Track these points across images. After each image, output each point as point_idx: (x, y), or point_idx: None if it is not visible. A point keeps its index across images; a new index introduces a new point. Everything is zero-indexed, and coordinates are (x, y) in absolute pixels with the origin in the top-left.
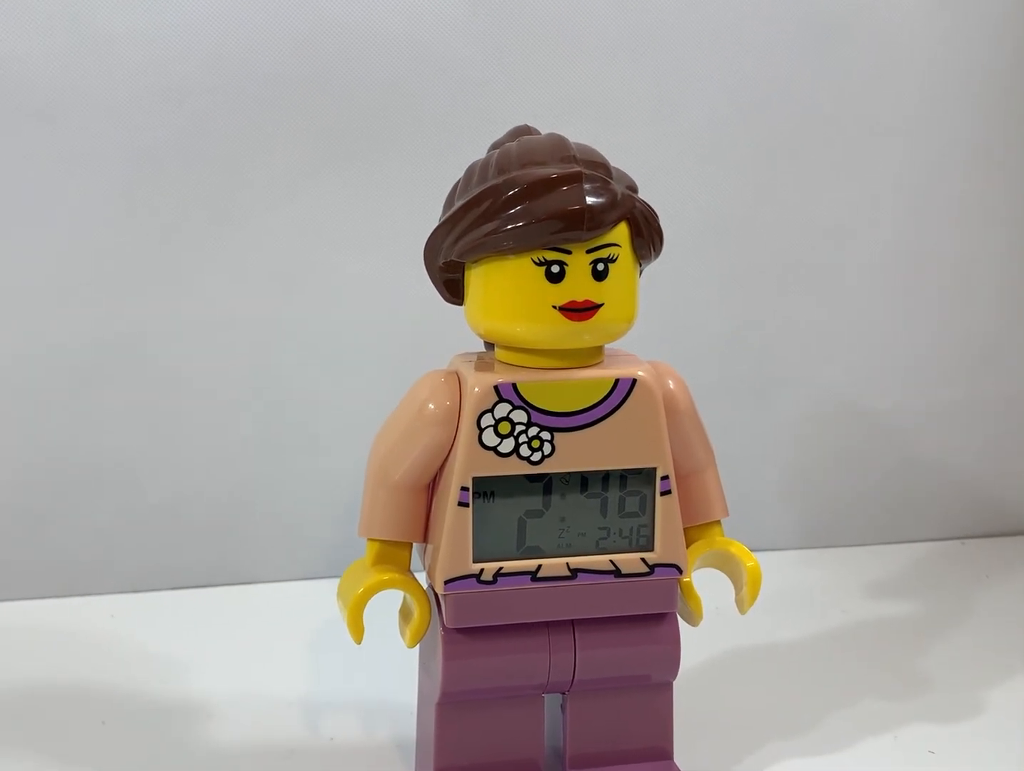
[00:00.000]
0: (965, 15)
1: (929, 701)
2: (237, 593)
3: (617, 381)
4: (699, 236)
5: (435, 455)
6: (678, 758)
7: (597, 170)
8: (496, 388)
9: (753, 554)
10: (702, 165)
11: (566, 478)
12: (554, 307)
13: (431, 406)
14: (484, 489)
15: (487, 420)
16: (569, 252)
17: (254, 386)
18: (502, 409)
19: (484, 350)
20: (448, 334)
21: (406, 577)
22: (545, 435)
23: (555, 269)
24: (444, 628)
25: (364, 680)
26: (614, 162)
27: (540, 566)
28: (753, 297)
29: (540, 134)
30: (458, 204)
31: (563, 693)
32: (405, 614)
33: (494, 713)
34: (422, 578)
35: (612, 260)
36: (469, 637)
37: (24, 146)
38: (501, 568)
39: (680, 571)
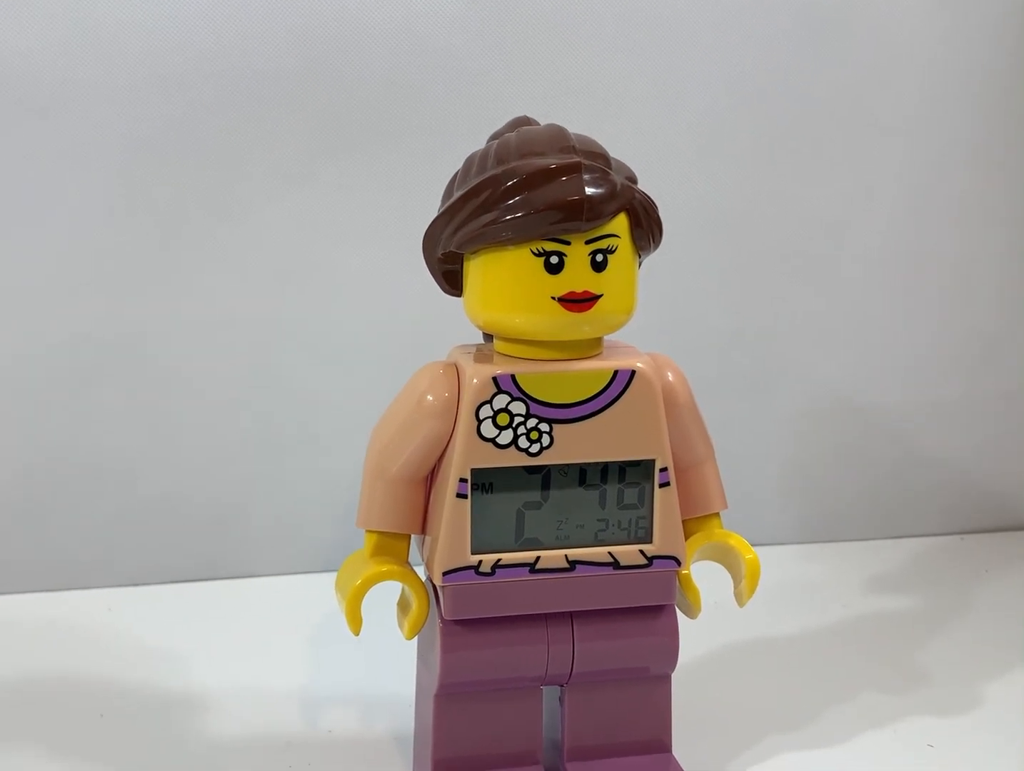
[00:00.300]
0: (965, 13)
1: (928, 695)
2: (235, 587)
3: (616, 372)
4: (699, 230)
5: (434, 447)
6: (676, 751)
7: (596, 160)
8: (495, 379)
9: (752, 547)
10: (701, 158)
11: (565, 470)
12: (553, 298)
13: (430, 398)
14: (482, 481)
15: (486, 411)
16: (568, 243)
17: (252, 382)
18: (501, 400)
19: (483, 342)
20: (448, 330)
21: (404, 569)
22: (544, 427)
23: (554, 260)
24: (442, 620)
25: (362, 672)
26: (613, 153)
27: (538, 558)
28: (753, 293)
29: (539, 125)
30: (457, 195)
31: (561, 685)
32: (403, 606)
33: (492, 705)
34: (421, 571)
35: (611, 251)
36: (467, 629)
37: (20, 139)
38: (499, 560)
39: (679, 563)
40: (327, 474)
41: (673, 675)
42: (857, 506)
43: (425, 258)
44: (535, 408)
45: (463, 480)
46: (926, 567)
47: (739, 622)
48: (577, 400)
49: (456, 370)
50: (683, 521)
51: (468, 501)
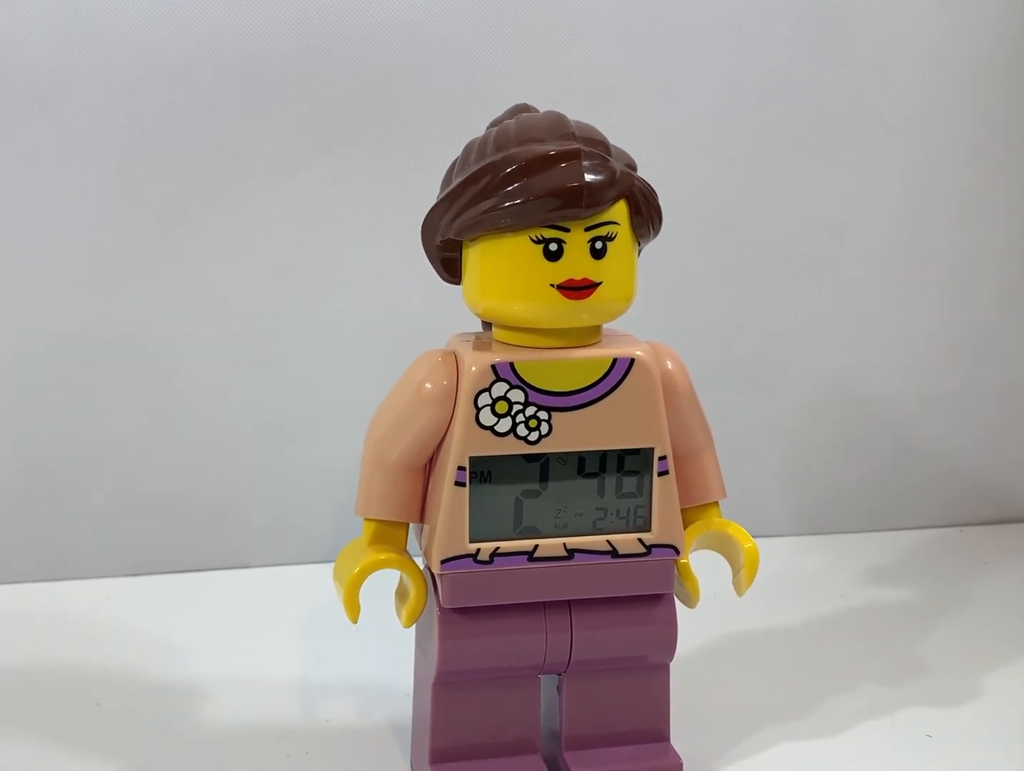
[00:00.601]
0: (966, 13)
1: (926, 686)
2: (233, 577)
3: (615, 360)
4: (700, 224)
5: (432, 435)
6: (674, 740)
7: (596, 147)
8: (493, 367)
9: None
10: (702, 153)
11: (563, 458)
12: (552, 285)
13: (428, 386)
14: (481, 469)
15: (484, 399)
16: (567, 230)
17: (250, 374)
18: (499, 388)
19: (482, 331)
20: (446, 322)
21: (402, 557)
22: (542, 415)
23: (553, 247)
24: (440, 608)
25: (360, 661)
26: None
27: (537, 546)
28: (753, 285)
29: (539, 112)
30: (456, 181)
31: (559, 674)
32: (401, 594)
33: (490, 694)
34: (419, 560)
35: (611, 238)
36: (465, 617)
37: (17, 131)
38: (498, 548)
39: (677, 552)
40: (325, 464)
41: (671, 664)
42: (856, 498)
43: (424, 246)
44: (534, 396)
45: (461, 468)
46: (925, 559)
47: (738, 612)
48: (576, 388)
49: (455, 358)
50: (682, 510)
51: (466, 489)
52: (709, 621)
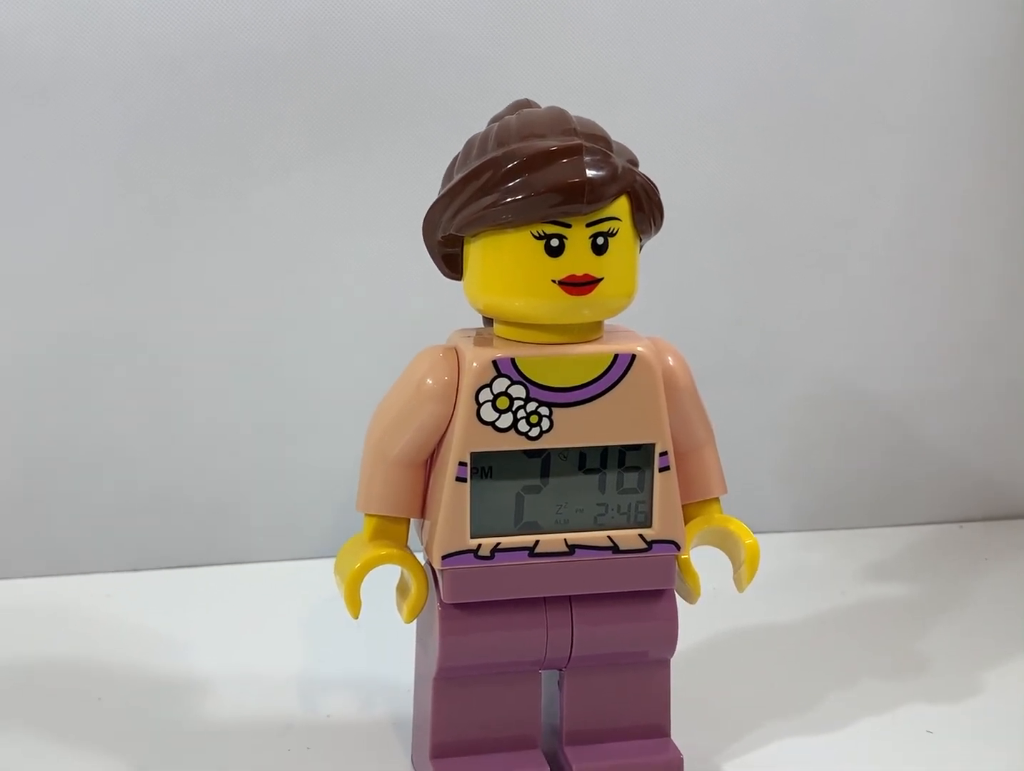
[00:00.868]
0: (969, 11)
1: (927, 682)
2: (234, 573)
3: (616, 356)
4: (703, 221)
5: (433, 431)
6: (675, 735)
7: (598, 143)
8: (495, 363)
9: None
10: (704, 149)
11: (564, 454)
12: (553, 281)
13: (429, 381)
14: (482, 464)
15: (485, 395)
16: (569, 225)
17: (251, 370)
18: (500, 384)
19: (483, 326)
20: (447, 313)
21: (404, 552)
22: (543, 410)
23: (555, 243)
24: (441, 603)
25: (361, 656)
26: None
27: (538, 542)
28: (754, 282)
29: (540, 107)
30: (457, 177)
31: (560, 669)
32: (402, 590)
33: (491, 689)
34: (420, 556)
35: (612, 234)
36: (466, 612)
37: (16, 125)
38: (499, 544)
39: (678, 547)
40: (325, 461)
41: (672, 660)
42: (857, 494)
43: (425, 241)
44: (535, 392)
45: (462, 464)
46: (925, 555)
47: (738, 608)
48: (577, 384)
49: (456, 354)
50: (683, 506)
51: (467, 485)
52: (710, 617)
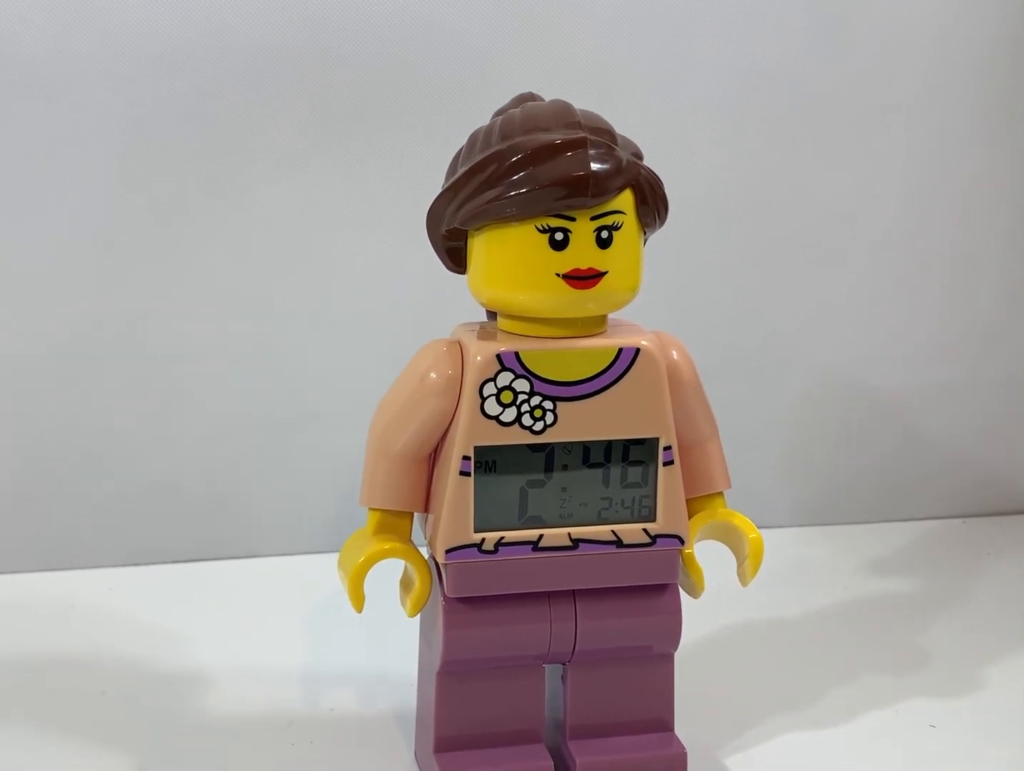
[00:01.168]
0: (971, 5)
1: (929, 677)
2: (236, 567)
3: (620, 350)
4: (705, 213)
5: (437, 425)
6: (679, 730)
7: (602, 136)
8: (499, 357)
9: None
10: (708, 142)
11: (568, 448)
12: (557, 275)
13: (433, 375)
14: (486, 458)
15: (489, 389)
16: (573, 219)
17: (254, 363)
18: (504, 378)
19: (487, 321)
20: (452, 309)
21: (407, 546)
22: (547, 404)
23: (559, 236)
24: (445, 598)
25: (364, 651)
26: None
27: (541, 536)
28: (758, 276)
29: (544, 101)
30: (461, 170)
31: (564, 664)
32: (406, 584)
33: (495, 683)
34: (424, 551)
35: (616, 227)
36: (470, 607)
37: (18, 121)
38: (502, 538)
39: (682, 542)
40: (329, 454)
41: (676, 654)
42: (859, 489)
43: (429, 235)
44: (539, 386)
45: (466, 458)
46: (927, 550)
47: (742, 603)
48: (581, 378)
49: (460, 348)
50: (686, 500)
51: (471, 479)
52: (713, 611)
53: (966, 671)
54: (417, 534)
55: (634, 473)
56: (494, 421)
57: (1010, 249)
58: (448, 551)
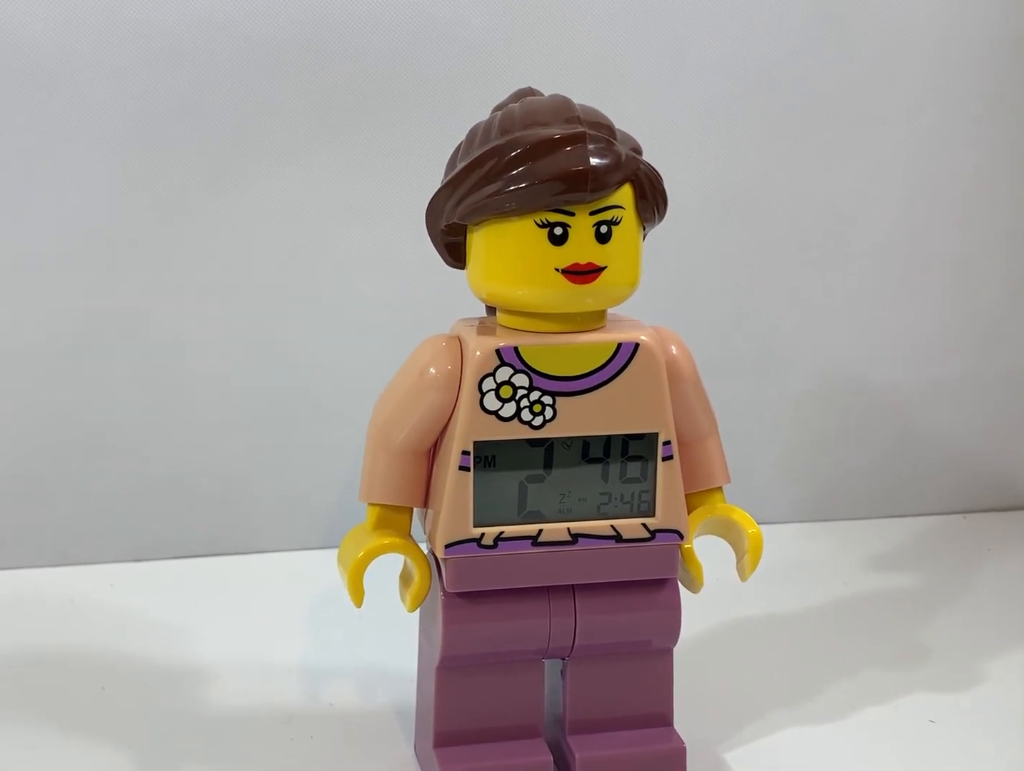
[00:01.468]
0: (971, 4)
1: (929, 672)
2: (238, 563)
3: (620, 345)
4: (706, 208)
5: (436, 420)
6: (678, 725)
7: (601, 131)
8: (498, 352)
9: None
10: (708, 138)
11: (568, 443)
12: (557, 270)
13: (432, 370)
14: (485, 453)
15: (488, 384)
16: (572, 214)
17: (257, 357)
18: (504, 373)
19: (486, 316)
20: (451, 302)
21: (406, 541)
22: (547, 399)
23: (558, 231)
24: (444, 592)
25: (364, 646)
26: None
27: (541, 531)
28: (758, 272)
29: (543, 96)
30: (460, 165)
31: (563, 658)
32: (405, 579)
33: (494, 678)
34: (424, 546)
35: (615, 222)
36: (469, 601)
37: (23, 113)
38: (502, 533)
39: (681, 537)
40: (332, 449)
41: (675, 649)
42: (859, 485)
43: (428, 230)
44: (538, 381)
45: (466, 453)
46: (928, 546)
47: (741, 598)
48: (580, 373)
49: (459, 343)
50: (686, 495)
51: (471, 474)
52: (713, 606)
53: (966, 667)
54: (416, 529)
55: (633, 468)
56: (493, 416)
57: (1012, 246)
58: (447, 546)
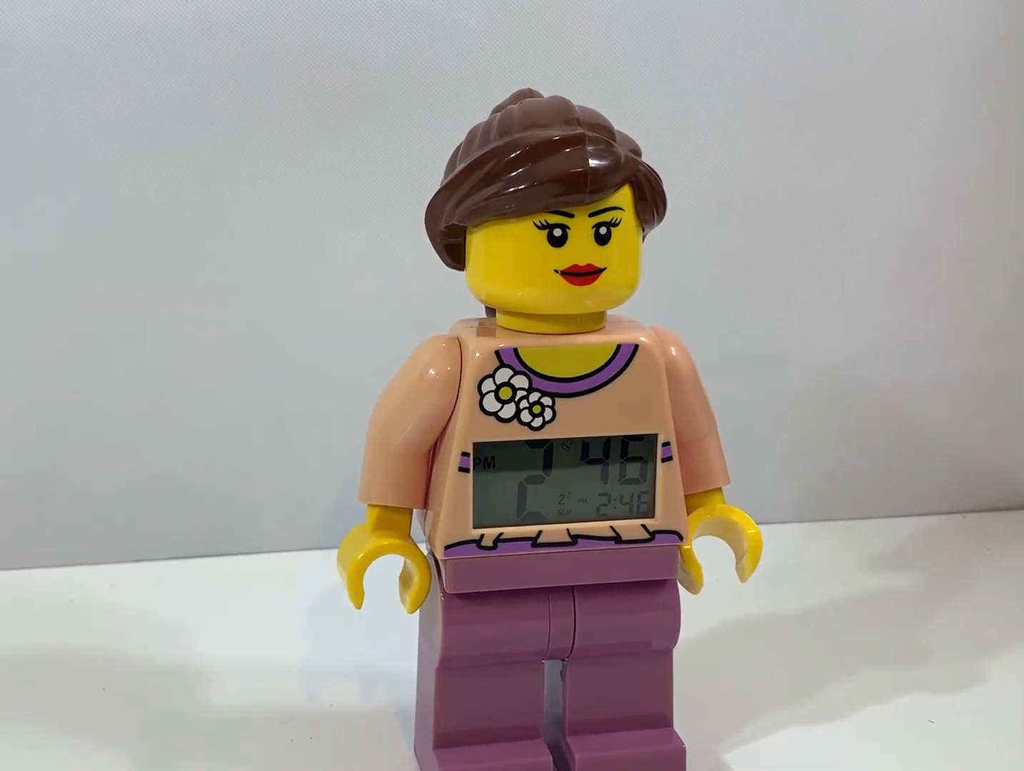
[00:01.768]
0: (972, 2)
1: (929, 672)
2: (238, 563)
3: (619, 347)
4: (704, 209)
5: (435, 421)
6: (677, 725)
7: (600, 133)
8: (497, 353)
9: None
10: (706, 138)
11: (567, 444)
12: (556, 271)
13: (432, 372)
14: (485, 455)
15: (488, 385)
16: (571, 215)
17: (256, 358)
18: (503, 374)
19: (486, 317)
20: (450, 303)
21: (406, 542)
22: (546, 401)
23: (557, 233)
24: (444, 594)
25: (364, 646)
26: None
27: (540, 532)
28: (757, 272)
29: (543, 97)
30: (460, 167)
31: (563, 659)
32: (405, 580)
33: (494, 679)
34: (423, 547)
35: (615, 224)
36: (469, 603)
37: (21, 115)
38: (501, 534)
39: (681, 538)
40: (331, 450)
41: (675, 650)
42: (859, 485)
43: (427, 231)
44: (538, 382)
45: (465, 454)
46: (928, 546)
47: (741, 599)
48: (580, 374)
49: (458, 344)
50: (685, 496)
51: (470, 475)
52: (712, 607)
53: (965, 666)
54: (416, 530)
55: (633, 469)
56: (493, 417)
57: (1012, 244)
58: (447, 547)
